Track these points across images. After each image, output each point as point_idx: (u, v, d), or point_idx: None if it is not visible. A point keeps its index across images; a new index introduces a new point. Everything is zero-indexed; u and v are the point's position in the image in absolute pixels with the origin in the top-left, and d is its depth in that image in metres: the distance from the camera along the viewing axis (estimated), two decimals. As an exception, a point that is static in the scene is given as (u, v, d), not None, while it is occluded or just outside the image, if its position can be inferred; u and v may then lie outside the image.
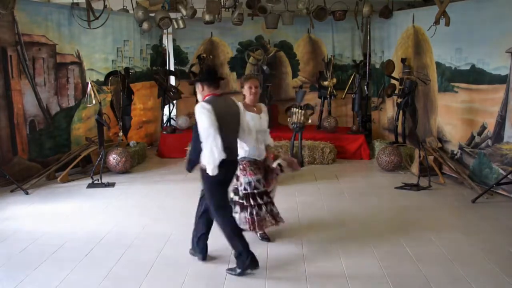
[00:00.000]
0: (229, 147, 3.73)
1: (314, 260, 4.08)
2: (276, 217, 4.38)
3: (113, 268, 3.93)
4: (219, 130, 3.59)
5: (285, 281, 3.73)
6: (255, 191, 4.29)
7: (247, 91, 4.37)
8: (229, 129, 3.76)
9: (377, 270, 3.89)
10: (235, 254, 3.82)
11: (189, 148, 3.71)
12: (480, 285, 3.63)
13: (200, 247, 4.08)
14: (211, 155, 3.57)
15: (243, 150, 4.26)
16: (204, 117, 3.58)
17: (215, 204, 3.81)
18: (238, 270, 3.79)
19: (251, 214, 4.26)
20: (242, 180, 4.31)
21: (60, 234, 4.69)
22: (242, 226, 4.18)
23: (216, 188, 3.81)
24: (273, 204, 4.44)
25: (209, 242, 4.41)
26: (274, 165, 4.42)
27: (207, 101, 3.69)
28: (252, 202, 4.28)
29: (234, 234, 3.81)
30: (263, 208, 4.31)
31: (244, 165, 4.28)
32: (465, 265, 3.97)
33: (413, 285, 3.65)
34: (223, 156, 3.59)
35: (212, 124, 3.56)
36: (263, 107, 4.50)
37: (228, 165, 3.75)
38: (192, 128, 3.77)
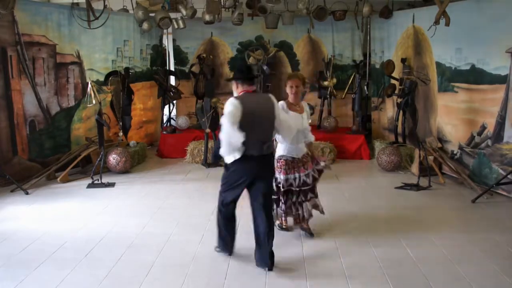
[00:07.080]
0: (256, 142, 3.77)
1: (314, 260, 4.08)
2: (301, 220, 4.64)
3: (113, 268, 3.93)
4: (245, 125, 3.66)
5: (285, 281, 3.73)
6: (291, 187, 4.54)
7: (289, 90, 4.45)
8: (257, 125, 3.77)
9: (377, 270, 3.89)
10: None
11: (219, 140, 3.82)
12: (480, 285, 3.63)
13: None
14: (227, 147, 3.72)
15: (281, 148, 4.49)
16: (228, 111, 3.67)
17: (219, 199, 4.02)
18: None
19: (284, 210, 4.61)
20: (277, 176, 4.52)
21: (60, 234, 4.69)
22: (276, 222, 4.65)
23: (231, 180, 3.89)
24: (301, 204, 4.63)
25: (208, 241, 4.43)
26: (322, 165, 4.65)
27: (237, 97, 3.78)
28: (283, 198, 4.59)
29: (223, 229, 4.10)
30: (293, 207, 4.62)
31: (281, 164, 4.49)
32: (465, 265, 3.97)
33: (413, 285, 3.65)
34: (238, 150, 3.69)
35: (235, 119, 3.64)
36: (305, 106, 4.59)
37: (252, 160, 3.78)
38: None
